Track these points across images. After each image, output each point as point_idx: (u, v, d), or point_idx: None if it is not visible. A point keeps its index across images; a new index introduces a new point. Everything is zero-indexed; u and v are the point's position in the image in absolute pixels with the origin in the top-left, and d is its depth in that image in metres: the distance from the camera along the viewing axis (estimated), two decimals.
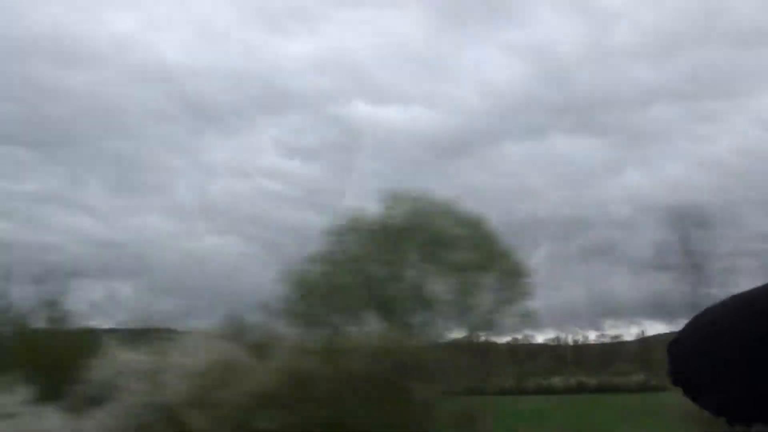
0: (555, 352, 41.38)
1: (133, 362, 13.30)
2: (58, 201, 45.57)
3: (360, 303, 15.88)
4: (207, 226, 39.33)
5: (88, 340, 14.61)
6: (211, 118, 49.25)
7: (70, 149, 49.31)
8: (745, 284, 1.07)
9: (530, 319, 16.07)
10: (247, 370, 11.57)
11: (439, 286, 16.65)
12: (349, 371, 10.97)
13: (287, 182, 48.19)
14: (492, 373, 17.96)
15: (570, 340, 42.03)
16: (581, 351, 42.71)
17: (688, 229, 14.86)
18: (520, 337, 22.30)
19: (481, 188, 39.42)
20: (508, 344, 17.91)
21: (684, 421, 10.68)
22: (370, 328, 13.82)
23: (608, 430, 19.24)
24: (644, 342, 29.53)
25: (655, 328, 21.00)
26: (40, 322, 14.59)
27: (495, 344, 16.81)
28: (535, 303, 15.43)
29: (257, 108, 53.18)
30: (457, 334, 16.35)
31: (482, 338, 16.59)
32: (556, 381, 35.65)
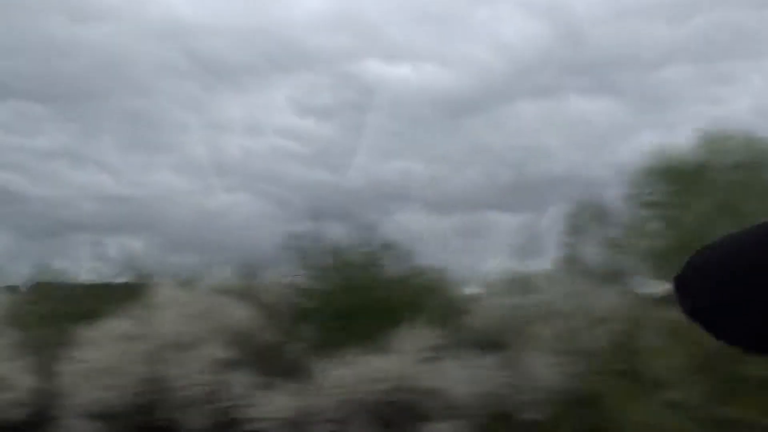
0: None
1: (513, 308, 12.72)
2: (71, 156, 45.23)
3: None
4: (220, 182, 39.45)
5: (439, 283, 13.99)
6: (225, 76, 48.61)
7: (83, 104, 48.78)
8: None
9: None
10: None
11: None
12: None
13: (300, 140, 49.01)
14: None
15: None
16: None
17: None
18: None
19: (494, 147, 39.72)
20: None
21: None
22: None
23: None
24: None
25: None
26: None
27: None
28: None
29: (271, 65, 53.16)
30: None
31: None
32: None
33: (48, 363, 12.05)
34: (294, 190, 44.51)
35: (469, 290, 13.87)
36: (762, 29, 38.18)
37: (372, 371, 11.01)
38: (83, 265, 14.49)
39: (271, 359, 11.98)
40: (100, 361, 11.57)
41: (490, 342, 12.39)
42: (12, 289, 14.49)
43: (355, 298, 13.10)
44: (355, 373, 10.97)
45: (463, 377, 11.26)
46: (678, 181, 16.22)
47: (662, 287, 14.98)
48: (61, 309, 13.16)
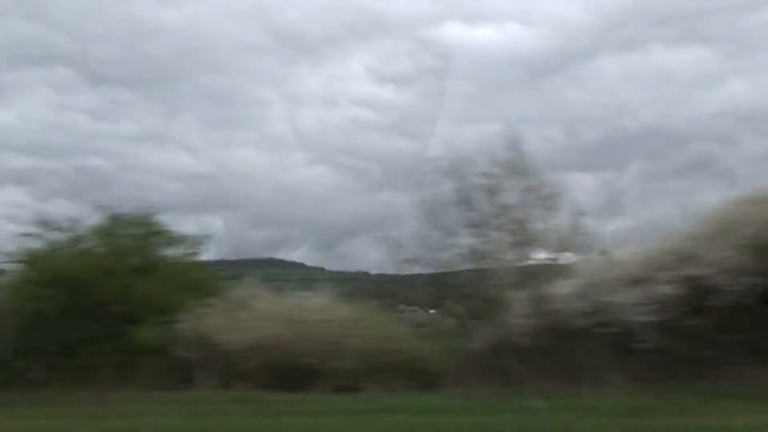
0: None
1: None
2: (155, 139, 44.59)
3: None
4: (298, 157, 38.11)
5: None
6: (304, 48, 47.49)
7: (167, 87, 47.89)
8: None
9: None
10: None
11: None
12: None
13: (378, 110, 47.23)
14: None
15: None
16: None
17: None
18: None
19: (576, 105, 38.68)
20: None
21: None
22: None
23: None
24: None
25: None
26: None
27: None
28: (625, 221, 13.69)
29: (349, 35, 50.83)
30: None
31: None
32: None
33: None
34: (372, 160, 42.46)
35: None
36: None
37: None
38: None
39: None
40: None
41: None
42: None
43: None
44: None
45: None
46: None
47: None
48: None
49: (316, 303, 13.38)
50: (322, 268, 32.69)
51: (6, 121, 43.24)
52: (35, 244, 13.89)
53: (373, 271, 24.37)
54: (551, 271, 12.71)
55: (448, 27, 44.78)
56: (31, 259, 13.74)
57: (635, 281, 11.35)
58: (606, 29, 43.34)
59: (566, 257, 12.93)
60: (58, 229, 14.06)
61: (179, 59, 46.14)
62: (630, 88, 41.39)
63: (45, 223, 14.03)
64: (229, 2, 43.89)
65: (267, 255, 36.02)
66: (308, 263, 33.00)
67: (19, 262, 13.92)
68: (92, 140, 42.76)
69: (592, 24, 43.09)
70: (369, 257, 26.89)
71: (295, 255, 38.20)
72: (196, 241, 14.52)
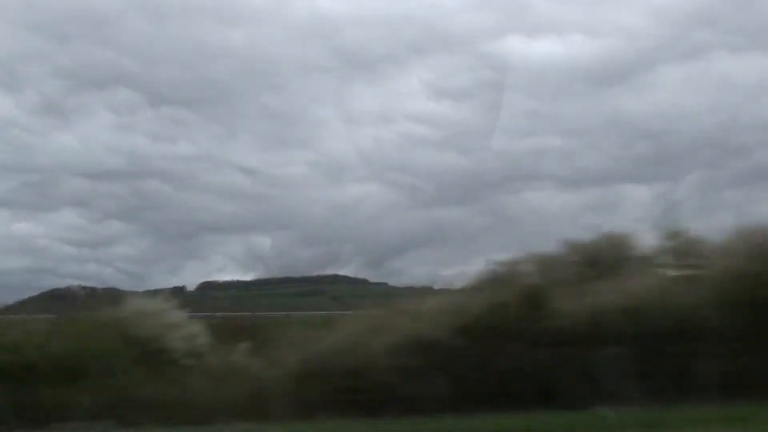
0: None
1: None
2: (210, 159, 46.25)
3: None
4: (351, 174, 38.38)
5: None
6: (363, 66, 48.72)
7: (226, 107, 49.28)
8: None
9: None
10: None
11: None
12: None
13: (434, 125, 47.76)
14: None
15: None
16: None
17: None
18: None
19: (635, 115, 38.77)
20: None
21: None
22: None
23: None
24: None
25: None
26: None
27: None
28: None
29: (409, 51, 51.27)
30: None
31: None
32: None
33: None
34: (425, 176, 42.96)
35: None
36: None
37: None
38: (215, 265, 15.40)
39: None
40: None
41: None
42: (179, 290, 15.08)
43: None
44: None
45: None
46: None
47: None
48: None
49: None
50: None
51: (67, 144, 45.77)
52: None
53: None
54: None
55: (509, 40, 45.15)
56: None
57: None
58: (670, 37, 43.15)
59: None
60: None
61: (240, 79, 47.57)
62: (692, 96, 41.33)
63: None
64: (293, 21, 45.12)
65: (329, 271, 37.01)
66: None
67: None
68: (150, 161, 44.86)
69: (657, 32, 42.74)
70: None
71: (347, 271, 39.63)
72: None
